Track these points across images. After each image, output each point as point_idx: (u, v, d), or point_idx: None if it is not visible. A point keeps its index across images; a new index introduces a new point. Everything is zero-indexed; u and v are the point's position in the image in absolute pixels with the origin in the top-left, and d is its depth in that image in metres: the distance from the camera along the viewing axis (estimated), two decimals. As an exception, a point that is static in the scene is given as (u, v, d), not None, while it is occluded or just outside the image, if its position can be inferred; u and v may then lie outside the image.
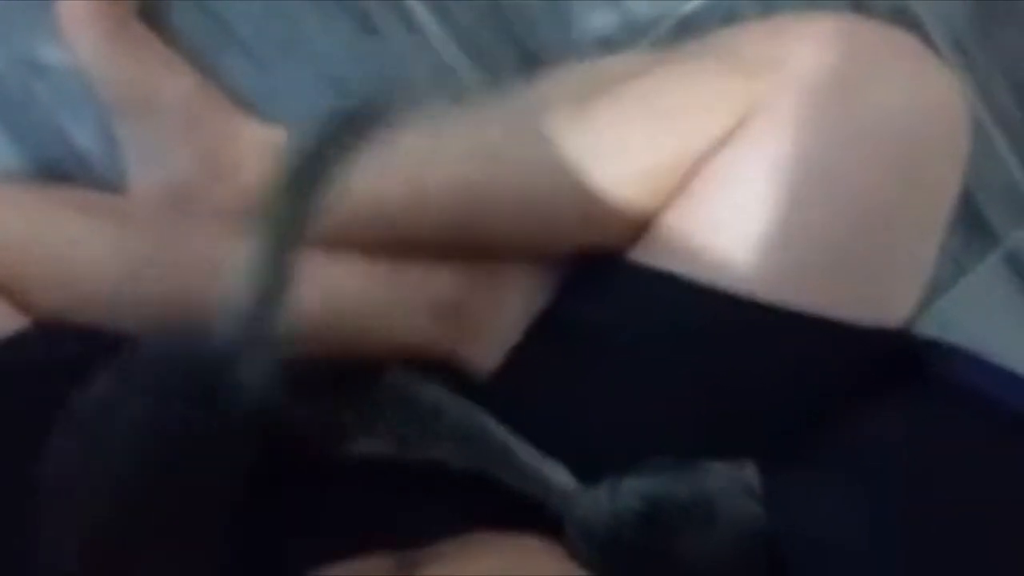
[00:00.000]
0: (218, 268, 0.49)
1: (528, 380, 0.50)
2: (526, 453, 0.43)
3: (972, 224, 0.77)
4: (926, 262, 0.48)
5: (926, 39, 0.69)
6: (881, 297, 0.46)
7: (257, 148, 0.52)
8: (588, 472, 0.44)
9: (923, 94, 0.44)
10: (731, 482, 0.40)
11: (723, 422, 0.45)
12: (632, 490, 0.41)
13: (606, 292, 0.49)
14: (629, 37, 0.62)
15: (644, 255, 0.48)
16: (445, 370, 0.53)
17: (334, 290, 0.52)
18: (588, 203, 0.48)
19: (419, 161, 0.51)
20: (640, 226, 0.48)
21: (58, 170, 0.56)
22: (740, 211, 0.45)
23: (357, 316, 0.52)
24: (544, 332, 0.51)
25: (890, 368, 0.46)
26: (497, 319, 0.53)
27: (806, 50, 0.45)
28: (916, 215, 0.46)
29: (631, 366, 0.46)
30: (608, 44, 0.62)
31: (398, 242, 0.52)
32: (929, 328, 0.52)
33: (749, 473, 0.40)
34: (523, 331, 0.51)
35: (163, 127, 0.51)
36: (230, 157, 0.52)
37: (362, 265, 0.52)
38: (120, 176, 0.54)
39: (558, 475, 0.42)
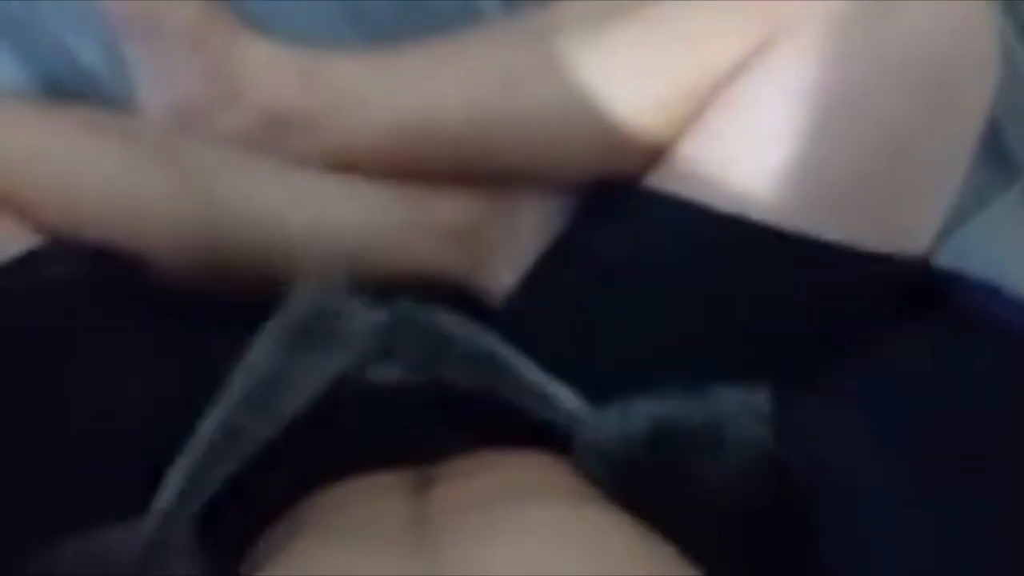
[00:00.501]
0: (228, 188, 0.50)
1: (541, 304, 0.50)
2: (534, 374, 0.43)
3: (995, 155, 0.75)
4: (949, 189, 0.47)
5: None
6: (903, 225, 0.45)
7: (266, 66, 0.51)
8: (600, 395, 0.44)
9: (950, 19, 0.43)
10: (741, 406, 0.40)
11: (739, 348, 0.45)
12: (643, 412, 0.41)
13: (621, 218, 0.48)
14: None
15: (660, 182, 0.47)
16: (461, 292, 0.53)
17: (351, 214, 0.52)
18: (603, 128, 0.47)
19: (435, 84, 0.50)
20: (657, 152, 0.48)
21: (64, 88, 0.55)
22: (759, 138, 0.44)
23: (375, 240, 0.52)
24: (558, 256, 0.51)
25: (909, 295, 0.46)
26: (512, 243, 0.53)
27: None
28: (941, 143, 0.45)
29: (645, 291, 0.46)
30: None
31: (414, 166, 0.52)
32: (949, 257, 0.51)
33: (760, 398, 0.40)
34: (537, 255, 0.51)
35: (170, 47, 0.51)
36: (238, 76, 0.51)
37: (379, 190, 0.52)
38: (127, 94, 0.53)
39: (566, 397, 0.42)
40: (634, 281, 0.47)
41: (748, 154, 0.45)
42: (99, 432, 0.39)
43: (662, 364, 0.45)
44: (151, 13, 0.51)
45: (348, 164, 0.51)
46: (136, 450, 0.39)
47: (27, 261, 0.40)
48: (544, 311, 0.49)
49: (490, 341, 0.44)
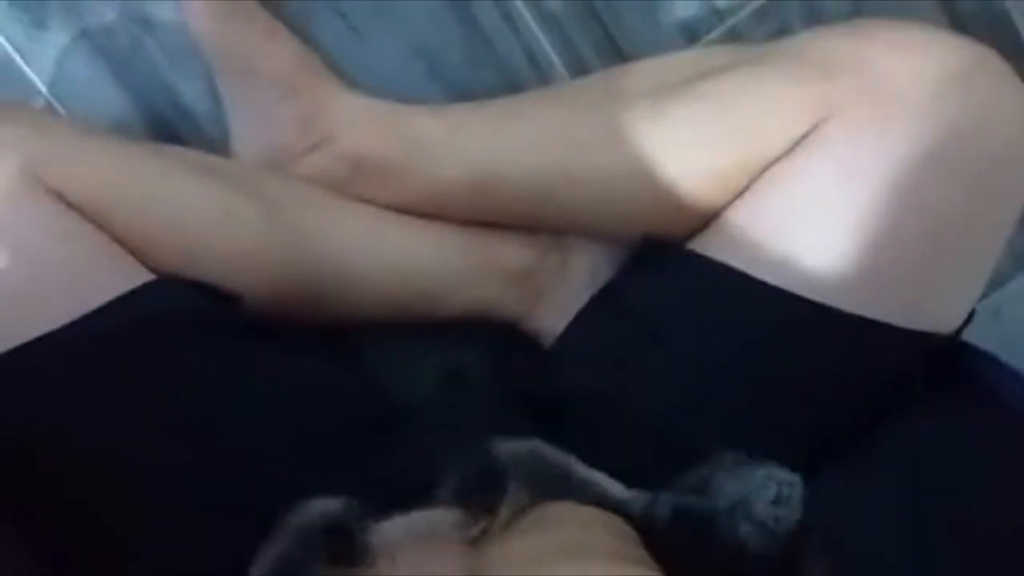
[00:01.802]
0: (311, 225, 0.53)
1: (587, 350, 0.52)
2: (582, 470, 0.44)
3: None
4: (986, 272, 0.48)
5: (1015, 33, 0.68)
6: (938, 306, 0.47)
7: (354, 116, 0.55)
8: (634, 445, 0.47)
9: (1001, 115, 0.44)
10: (771, 486, 0.42)
11: (769, 416, 0.46)
12: (665, 502, 0.43)
13: (666, 276, 0.51)
14: (710, 23, 0.63)
15: (707, 246, 0.49)
16: (515, 332, 0.57)
17: (422, 254, 0.55)
18: (659, 196, 0.50)
19: (505, 144, 0.53)
20: (703, 218, 0.50)
21: (165, 124, 0.60)
22: (803, 214, 0.46)
23: (441, 278, 0.55)
24: (606, 306, 0.53)
25: (940, 371, 0.47)
26: (563, 288, 0.57)
27: (887, 60, 0.45)
28: (982, 234, 0.46)
29: (683, 349, 0.48)
30: (689, 29, 0.63)
31: (481, 215, 0.55)
32: (986, 319, 0.53)
33: (791, 478, 0.42)
34: (586, 302, 0.54)
35: (264, 93, 0.54)
36: (326, 125, 0.55)
37: (448, 233, 0.55)
38: (223, 134, 0.58)
39: (612, 487, 0.44)
40: (674, 338, 0.48)
41: (791, 228, 0.46)
42: (217, 462, 0.42)
43: (696, 423, 0.47)
44: (249, 59, 0.55)
45: (421, 209, 0.55)
46: (252, 479, 0.42)
47: (140, 295, 0.43)
48: (589, 357, 0.52)
49: (549, 456, 0.45)
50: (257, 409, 0.45)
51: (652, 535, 0.42)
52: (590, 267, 0.56)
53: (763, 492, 0.41)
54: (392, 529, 0.41)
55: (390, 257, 0.54)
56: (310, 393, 0.48)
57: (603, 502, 0.43)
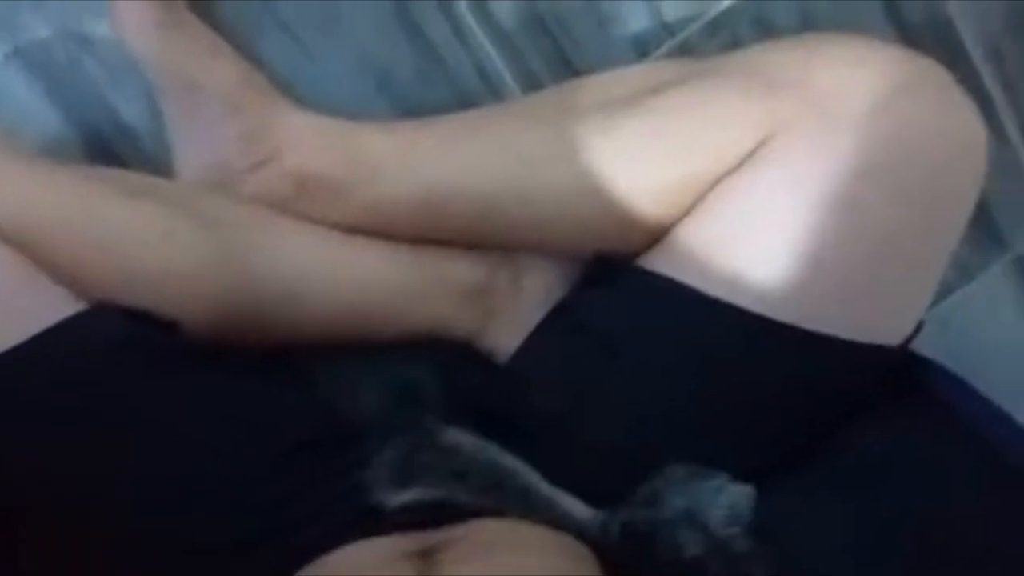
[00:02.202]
0: (257, 246, 0.52)
1: (541, 367, 0.52)
2: (544, 489, 0.44)
3: (980, 227, 0.76)
4: (933, 283, 0.49)
5: (959, 42, 0.69)
6: (887, 318, 0.47)
7: (300, 133, 0.54)
8: (587, 460, 0.46)
9: (945, 127, 0.44)
10: (722, 497, 0.42)
11: (721, 428, 0.47)
12: (616, 520, 0.43)
13: (619, 293, 0.51)
14: (661, 37, 0.63)
15: (658, 263, 0.49)
16: (469, 350, 0.56)
17: (372, 273, 0.54)
18: (610, 211, 0.49)
19: (455, 159, 0.53)
20: (655, 235, 0.50)
21: (105, 143, 0.58)
22: (751, 229, 0.46)
23: (392, 297, 0.54)
24: (559, 323, 0.53)
25: (890, 385, 0.48)
26: (517, 306, 0.56)
27: (832, 74, 0.45)
28: (928, 245, 0.46)
29: (636, 366, 0.48)
30: (640, 44, 0.63)
31: (432, 232, 0.55)
32: (934, 326, 0.52)
33: (739, 489, 0.42)
34: (540, 320, 0.54)
35: (207, 111, 0.53)
36: (271, 142, 0.54)
37: (398, 251, 0.55)
38: (164, 152, 0.56)
39: (574, 507, 0.44)
40: (626, 355, 0.48)
41: (739, 243, 0.46)
42: (163, 479, 0.41)
43: (650, 438, 0.47)
44: (191, 76, 0.53)
45: (370, 227, 0.54)
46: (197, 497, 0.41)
47: (71, 324, 0.42)
48: (543, 375, 0.51)
49: (505, 462, 0.45)
50: (199, 436, 0.44)
51: (607, 554, 0.41)
52: (543, 285, 0.56)
53: (715, 503, 0.41)
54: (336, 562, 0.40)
55: (337, 277, 0.53)
56: (256, 417, 0.47)
57: (564, 522, 0.43)
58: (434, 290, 0.55)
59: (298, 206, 0.53)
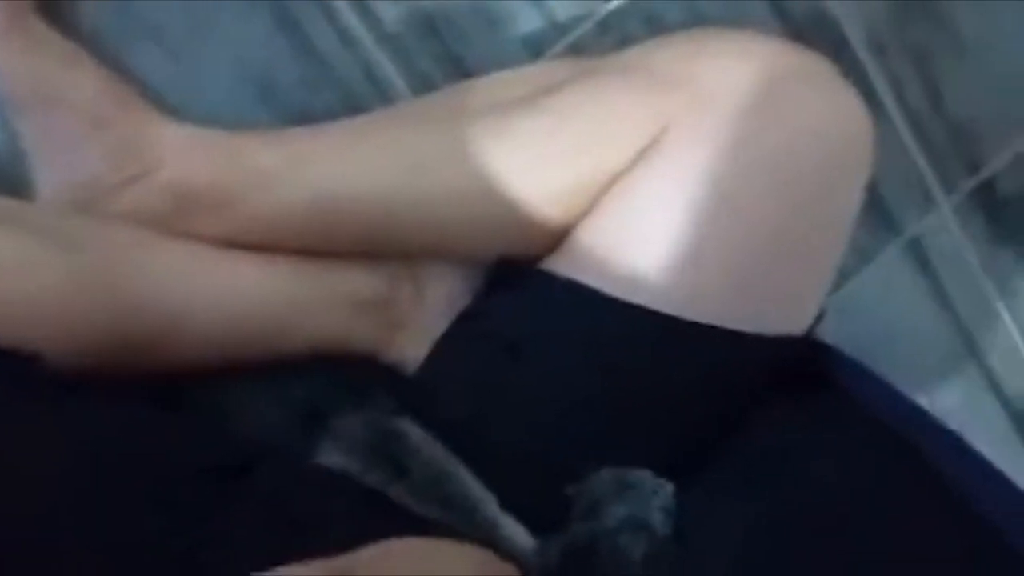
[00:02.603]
0: (131, 268, 0.49)
1: (448, 377, 0.51)
2: (489, 510, 0.43)
3: (875, 211, 0.79)
4: (829, 272, 0.50)
5: (843, 37, 0.71)
6: (784, 310, 0.48)
7: (174, 145, 0.51)
8: (502, 466, 0.45)
9: (834, 122, 0.45)
10: (653, 495, 0.41)
11: (629, 427, 0.46)
12: (554, 544, 0.42)
13: (522, 298, 0.50)
14: (552, 37, 0.62)
15: (559, 265, 0.49)
16: (375, 365, 0.54)
17: (260, 289, 0.52)
18: (506, 214, 0.49)
19: (344, 165, 0.51)
20: (556, 237, 0.49)
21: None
22: (645, 227, 0.46)
23: (284, 314, 0.52)
24: (465, 331, 0.52)
25: (794, 375, 0.48)
26: (421, 316, 0.55)
27: (720, 70, 0.46)
28: (821, 236, 0.47)
29: (543, 370, 0.48)
30: (531, 44, 0.62)
31: (323, 243, 0.52)
32: (833, 313, 0.53)
33: (664, 483, 0.42)
34: (445, 329, 0.52)
35: (68, 126, 0.50)
36: (143, 156, 0.50)
37: (288, 265, 0.52)
38: (23, 173, 0.52)
39: (515, 532, 0.43)
40: (531, 358, 0.48)
41: (634, 241, 0.46)
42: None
43: (563, 442, 0.46)
44: (48, 91, 0.50)
45: (256, 241, 0.52)
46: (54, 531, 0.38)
47: None
48: (452, 385, 0.50)
49: (450, 464, 0.44)
50: (75, 472, 0.41)
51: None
52: (447, 293, 0.55)
53: (653, 503, 0.41)
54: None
55: (223, 295, 0.51)
56: (140, 448, 0.44)
57: (502, 547, 0.42)
58: (328, 303, 0.53)
59: (176, 222, 0.50)
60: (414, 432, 0.45)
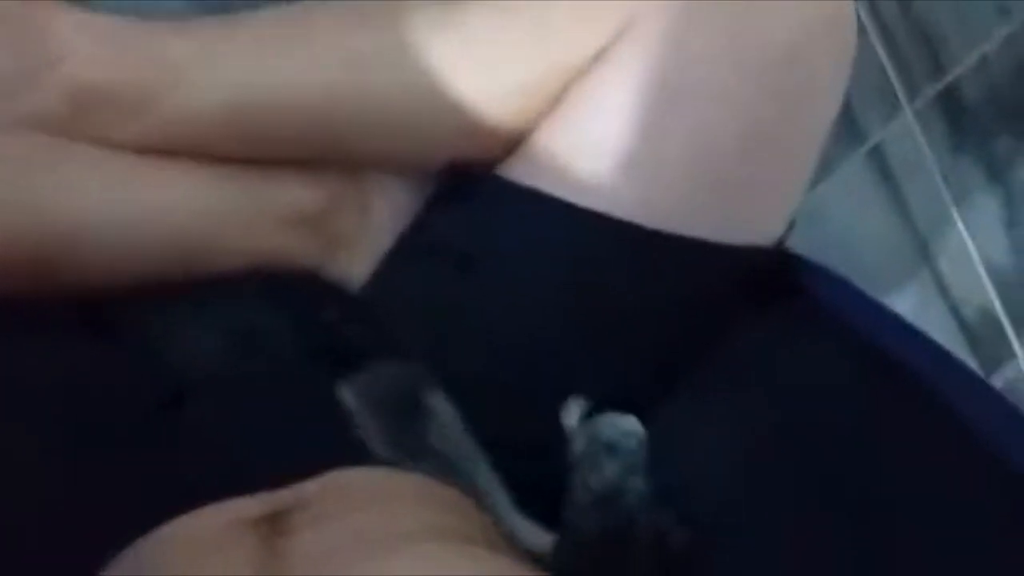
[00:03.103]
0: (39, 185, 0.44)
1: (395, 296, 0.48)
2: (504, 510, 0.40)
3: (842, 122, 0.78)
4: (805, 174, 0.47)
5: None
6: (757, 217, 0.46)
7: (78, 35, 0.45)
8: (457, 389, 0.43)
9: (809, 15, 0.42)
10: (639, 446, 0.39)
11: (595, 345, 0.44)
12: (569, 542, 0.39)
13: (476, 207, 0.47)
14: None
15: (515, 172, 0.46)
16: (317, 282, 0.51)
17: (183, 203, 0.47)
18: (454, 115, 0.45)
19: (272, 62, 0.46)
20: (513, 141, 0.46)
21: None
22: (610, 130, 0.43)
23: (212, 230, 0.48)
24: (414, 244, 0.49)
25: (766, 288, 0.46)
26: (366, 229, 0.51)
27: None
28: (796, 140, 0.45)
29: (498, 284, 0.45)
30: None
31: (251, 150, 0.48)
32: (800, 223, 0.51)
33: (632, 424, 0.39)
34: (392, 242, 0.49)
35: None
36: (41, 50, 0.45)
37: (213, 175, 0.48)
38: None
39: (533, 535, 0.39)
40: (488, 274, 0.45)
41: (600, 147, 0.44)
42: None
43: (524, 366, 0.44)
44: None
45: (176, 148, 0.47)
46: None
47: None
48: (398, 303, 0.47)
49: (473, 456, 0.41)
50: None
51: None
52: (393, 205, 0.51)
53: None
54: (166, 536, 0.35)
55: (140, 209, 0.46)
56: (68, 382, 0.41)
57: (523, 549, 0.39)
58: (261, 218, 0.49)
59: (82, 126, 0.45)
60: (444, 411, 0.42)
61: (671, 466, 0.39)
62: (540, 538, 0.40)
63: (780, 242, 0.48)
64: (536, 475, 0.41)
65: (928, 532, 0.35)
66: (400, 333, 0.46)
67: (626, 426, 0.40)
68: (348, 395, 0.42)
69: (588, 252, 0.44)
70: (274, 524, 0.36)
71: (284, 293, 0.50)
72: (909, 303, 0.91)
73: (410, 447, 0.41)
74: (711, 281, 0.45)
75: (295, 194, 0.49)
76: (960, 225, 0.92)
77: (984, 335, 0.96)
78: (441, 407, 0.42)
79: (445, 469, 0.40)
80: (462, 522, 0.38)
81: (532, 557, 0.38)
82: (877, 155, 0.86)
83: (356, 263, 0.50)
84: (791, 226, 0.48)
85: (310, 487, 0.38)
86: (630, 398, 0.42)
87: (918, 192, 0.88)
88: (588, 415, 0.41)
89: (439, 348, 0.44)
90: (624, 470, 0.38)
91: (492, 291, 0.45)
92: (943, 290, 0.94)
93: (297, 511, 0.36)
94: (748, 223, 0.45)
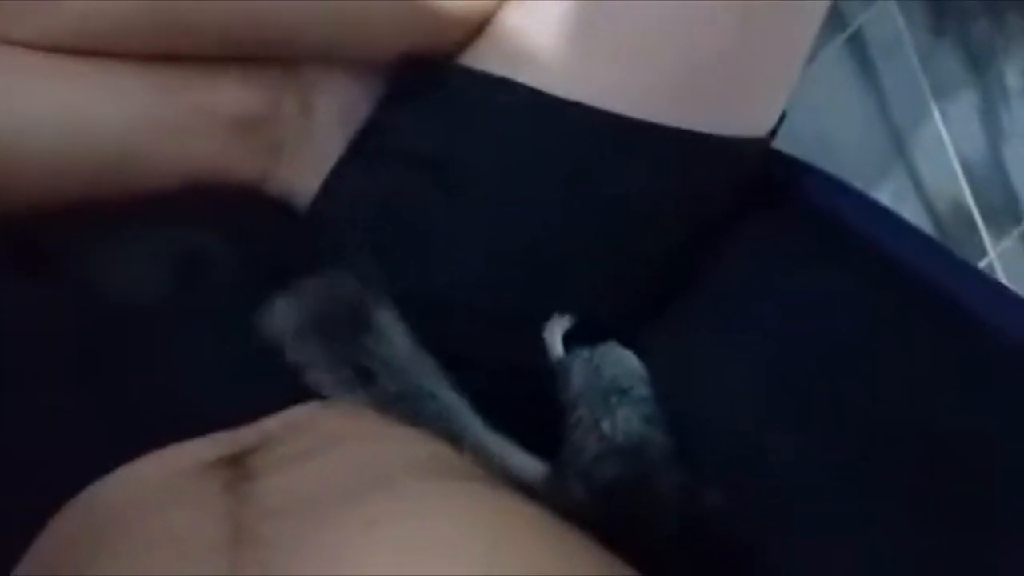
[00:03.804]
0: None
1: (349, 209, 0.44)
2: (494, 443, 0.36)
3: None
4: (800, 63, 0.44)
5: None
6: (750, 109, 0.42)
7: None
8: (424, 309, 0.39)
9: None
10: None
11: (582, 250, 0.41)
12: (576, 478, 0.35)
13: (439, 103, 0.43)
14: None
15: (484, 59, 0.42)
16: (259, 197, 0.46)
17: (94, 111, 0.42)
18: None
19: None
20: (474, 25, 0.42)
21: None
22: (589, 11, 0.39)
23: (132, 139, 0.43)
24: (369, 151, 0.44)
25: (755, 182, 0.44)
26: (311, 136, 0.46)
27: None
28: (791, 27, 0.41)
29: (467, 188, 0.41)
30: None
31: (171, 45, 0.43)
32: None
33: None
34: (343, 149, 0.45)
35: None
36: None
37: (126, 78, 0.43)
38: None
39: (524, 463, 0.36)
40: (462, 180, 0.41)
41: (576, 27, 0.40)
42: None
43: (493, 271, 0.41)
44: None
45: (84, 46, 0.41)
46: None
47: None
48: (352, 217, 0.43)
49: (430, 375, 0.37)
50: None
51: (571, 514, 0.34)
52: (341, 105, 0.46)
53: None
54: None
55: (52, 115, 0.41)
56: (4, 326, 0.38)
57: (513, 478, 0.36)
58: (191, 123, 0.44)
59: None
60: (393, 325, 0.37)
61: (683, 405, 0.37)
62: (527, 464, 0.36)
63: (772, 135, 0.44)
64: (509, 397, 0.38)
65: (957, 447, 0.33)
66: (355, 255, 0.42)
67: (629, 364, 0.37)
68: (281, 313, 0.37)
69: (568, 147, 0.40)
70: (236, 467, 0.33)
71: (226, 215, 0.45)
72: (884, 197, 0.91)
73: (356, 367, 0.37)
74: (701, 174, 0.42)
75: (228, 95, 0.44)
76: (937, 115, 0.91)
77: (956, 229, 0.96)
78: (389, 321, 0.38)
79: (402, 390, 0.37)
80: (446, 455, 0.35)
81: (521, 486, 0.36)
82: (856, 41, 0.83)
83: (301, 173, 0.46)
84: (783, 118, 0.45)
85: (271, 424, 0.35)
86: (619, 315, 0.39)
87: (896, 82, 0.87)
88: (571, 335, 0.38)
89: (399, 272, 0.41)
90: (641, 420, 0.35)
91: (462, 201, 0.41)
92: (917, 185, 0.94)
93: (260, 452, 0.34)
94: (744, 112, 0.42)
